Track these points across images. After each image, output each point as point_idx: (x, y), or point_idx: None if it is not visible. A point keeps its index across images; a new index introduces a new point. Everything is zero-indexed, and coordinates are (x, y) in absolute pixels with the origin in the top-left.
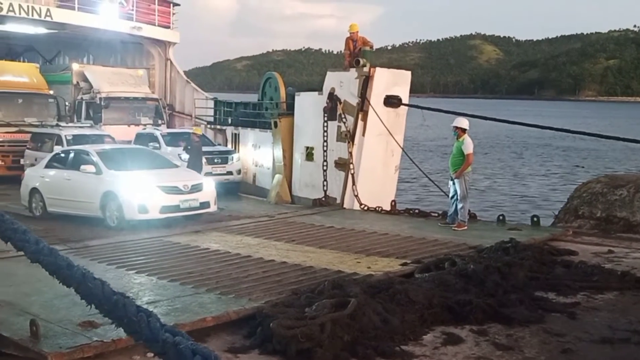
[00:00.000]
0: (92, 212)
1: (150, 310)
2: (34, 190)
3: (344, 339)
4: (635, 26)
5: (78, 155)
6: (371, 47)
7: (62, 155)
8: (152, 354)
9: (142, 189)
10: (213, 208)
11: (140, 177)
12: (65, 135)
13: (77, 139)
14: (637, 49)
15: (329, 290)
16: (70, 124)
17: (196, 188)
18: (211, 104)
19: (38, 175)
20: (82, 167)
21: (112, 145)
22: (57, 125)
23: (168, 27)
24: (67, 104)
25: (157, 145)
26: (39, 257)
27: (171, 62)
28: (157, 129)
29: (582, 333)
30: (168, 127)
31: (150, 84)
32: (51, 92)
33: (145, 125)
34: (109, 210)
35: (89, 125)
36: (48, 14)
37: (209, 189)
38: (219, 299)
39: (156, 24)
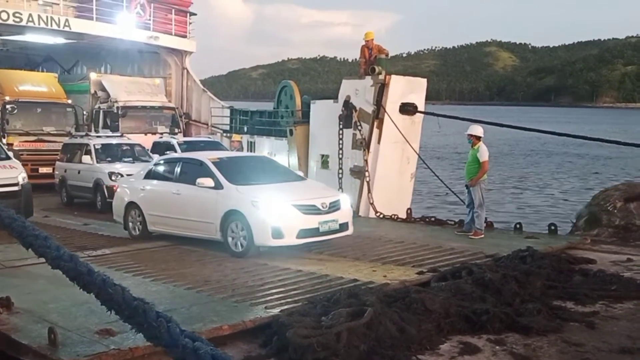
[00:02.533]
0: (208, 234)
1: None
2: (131, 205)
3: (360, 349)
4: None
5: (188, 165)
6: (387, 54)
7: (166, 164)
8: None
9: (276, 209)
10: (350, 230)
11: (272, 194)
12: (94, 145)
13: (106, 148)
14: None
15: (344, 299)
16: (100, 133)
17: (334, 206)
18: (227, 112)
19: (136, 187)
20: (199, 180)
21: (227, 154)
22: (87, 134)
23: (185, 37)
24: (85, 113)
25: (174, 153)
26: (60, 263)
27: (187, 71)
28: (174, 138)
29: (601, 343)
30: (184, 136)
31: (166, 92)
32: (69, 101)
33: (162, 133)
34: (233, 233)
35: (119, 134)
36: (67, 24)
37: (346, 207)
38: (235, 307)
39: (173, 34)
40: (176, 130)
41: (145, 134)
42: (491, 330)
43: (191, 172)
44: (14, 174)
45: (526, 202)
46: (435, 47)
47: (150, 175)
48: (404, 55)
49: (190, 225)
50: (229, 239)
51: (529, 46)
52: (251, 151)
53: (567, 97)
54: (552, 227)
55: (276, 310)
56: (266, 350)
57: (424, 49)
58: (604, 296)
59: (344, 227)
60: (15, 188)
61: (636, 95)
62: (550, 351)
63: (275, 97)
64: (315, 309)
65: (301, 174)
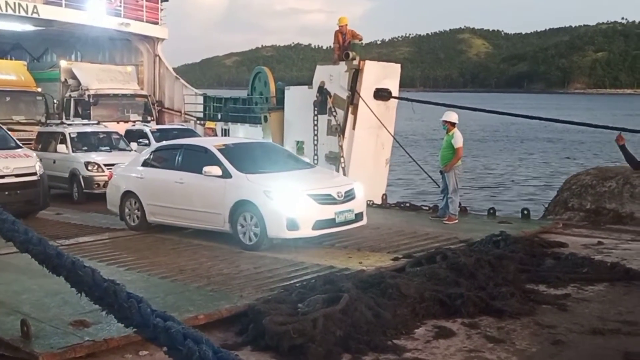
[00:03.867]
0: (215, 226)
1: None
2: (128, 195)
3: (336, 334)
4: (623, 18)
5: (191, 152)
6: (360, 39)
7: (166, 151)
8: (144, 352)
9: (291, 199)
10: (365, 220)
11: (285, 183)
12: (69, 133)
13: (82, 137)
14: (625, 42)
15: (320, 285)
16: (75, 121)
17: (350, 195)
18: (200, 99)
19: (133, 175)
20: (206, 168)
21: (232, 140)
22: (62, 123)
23: (156, 23)
24: (55, 101)
25: (147, 141)
26: (28, 246)
27: (160, 58)
28: (147, 126)
29: (573, 324)
30: (157, 124)
31: (139, 80)
32: (39, 89)
33: (134, 121)
34: (244, 225)
35: (95, 122)
36: (35, 10)
37: (360, 195)
38: (211, 296)
39: (144, 20)
40: (149, 118)
41: (118, 122)
42: (465, 314)
43: (195, 159)
44: (32, 163)
45: (499, 187)
46: (410, 34)
47: (149, 162)
48: (378, 42)
49: (195, 216)
50: (239, 231)
51: (502, 33)
52: None
53: (540, 83)
54: (525, 212)
55: (252, 298)
56: (242, 338)
57: (398, 36)
58: (575, 279)
59: (359, 217)
60: (34, 177)
61: (607, 81)
62: (523, 333)
63: (249, 83)
64: (291, 296)
65: (307, 160)
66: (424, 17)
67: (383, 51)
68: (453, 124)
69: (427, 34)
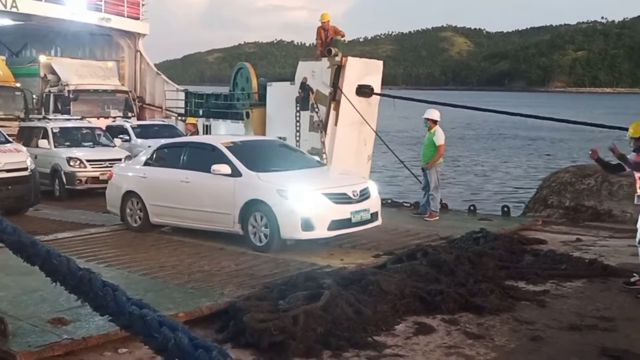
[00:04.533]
0: (225, 227)
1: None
2: (130, 195)
3: (317, 331)
4: (603, 18)
5: (197, 151)
6: (343, 36)
7: (170, 149)
8: (124, 350)
9: (306, 198)
10: (380, 220)
11: (299, 182)
12: (51, 129)
13: (65, 132)
14: (605, 41)
15: (302, 282)
16: (58, 116)
17: (365, 194)
18: (182, 95)
19: (135, 175)
20: (214, 167)
21: (239, 138)
22: (44, 117)
23: (137, 19)
24: (34, 96)
25: (127, 137)
26: (2, 236)
27: (141, 54)
28: (127, 121)
29: (551, 320)
30: (138, 120)
31: (119, 76)
32: (18, 84)
33: (114, 117)
34: (255, 225)
35: (78, 117)
36: (14, 4)
37: (375, 194)
38: (191, 293)
39: (125, 15)
40: (129, 114)
41: (98, 118)
42: (445, 311)
43: (202, 157)
44: (23, 158)
45: (480, 185)
46: (392, 32)
47: (152, 161)
48: (361, 40)
49: (203, 217)
50: (250, 232)
51: (484, 31)
52: (208, 134)
53: (521, 81)
54: (505, 209)
55: (233, 296)
56: (223, 335)
57: (381, 34)
58: (554, 275)
59: (374, 217)
60: (26, 173)
61: (586, 80)
62: (502, 330)
63: (231, 79)
64: (272, 293)
65: (317, 158)
66: (406, 15)
67: (366, 49)
68: (435, 122)
69: (410, 31)
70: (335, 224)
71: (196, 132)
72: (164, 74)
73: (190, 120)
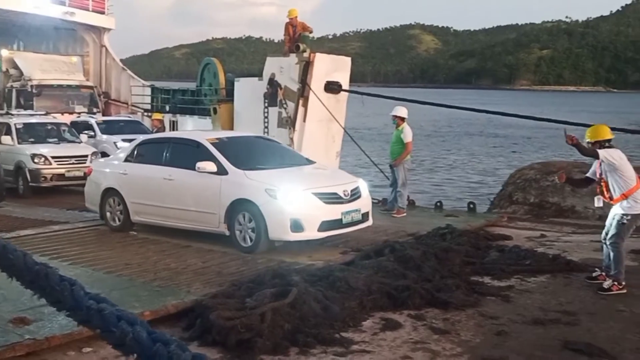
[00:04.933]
0: (210, 227)
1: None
2: (110, 192)
3: (284, 328)
4: (567, 17)
5: (181, 147)
6: (311, 32)
7: (153, 145)
8: (88, 349)
9: (296, 198)
10: (371, 221)
11: (288, 180)
12: (15, 124)
13: (29, 128)
14: (569, 40)
15: (269, 279)
16: (22, 112)
17: (356, 194)
18: (148, 91)
19: (115, 171)
20: (199, 164)
21: (225, 134)
22: (7, 113)
23: (103, 13)
24: None
25: (92, 133)
26: None
27: (106, 48)
28: (92, 117)
29: (516, 315)
30: (103, 115)
31: (84, 71)
32: None
33: (79, 113)
34: (241, 226)
35: (43, 113)
36: None
37: (366, 194)
38: (157, 292)
39: (90, 9)
40: (95, 110)
41: (62, 113)
42: (412, 306)
43: (186, 154)
44: None
45: (447, 181)
46: (361, 30)
47: (133, 157)
48: (330, 36)
49: (187, 216)
50: (237, 232)
51: (451, 29)
52: (174, 131)
53: (487, 79)
54: (471, 205)
55: (200, 294)
56: (189, 333)
57: (350, 31)
58: (518, 271)
59: (365, 217)
60: None
61: (551, 78)
62: (468, 325)
63: (198, 75)
64: (239, 291)
65: (306, 155)
66: (374, 12)
67: (334, 45)
68: (403, 119)
69: (378, 29)
70: (326, 225)
71: (162, 128)
72: (130, 69)
73: (156, 116)
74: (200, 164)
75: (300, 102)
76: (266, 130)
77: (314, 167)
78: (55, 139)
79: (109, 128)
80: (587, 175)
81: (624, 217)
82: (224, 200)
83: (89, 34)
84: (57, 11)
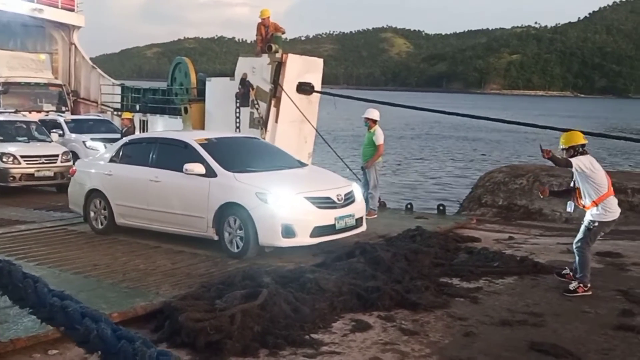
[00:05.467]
0: (197, 231)
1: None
2: (94, 194)
3: (254, 330)
4: (536, 23)
5: (168, 147)
6: (283, 32)
7: (139, 145)
8: (54, 351)
9: (288, 202)
10: (364, 226)
11: (280, 184)
12: None
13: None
14: (538, 45)
15: (239, 281)
16: None
17: (350, 198)
18: (118, 90)
19: (100, 171)
20: (187, 166)
21: (215, 134)
22: None
23: (72, 10)
24: None
25: (61, 132)
26: None
27: (76, 46)
28: (61, 116)
29: (484, 316)
30: (72, 114)
31: (53, 69)
32: None
33: (47, 112)
34: (230, 231)
35: (12, 110)
36: None
37: (360, 198)
38: (126, 293)
39: (59, 7)
40: (63, 109)
41: (30, 112)
42: (381, 307)
43: (173, 155)
44: None
45: (417, 183)
46: (333, 32)
47: (119, 157)
48: (303, 38)
49: (173, 220)
50: (226, 237)
51: (423, 33)
52: (144, 130)
53: (458, 83)
54: (441, 208)
55: (169, 295)
56: (158, 335)
57: (322, 33)
58: (487, 272)
59: (359, 222)
60: None
61: (520, 83)
62: (436, 326)
63: (169, 74)
64: (209, 292)
65: (298, 158)
66: (347, 15)
67: (307, 47)
68: (375, 121)
69: (351, 31)
70: (319, 231)
71: (132, 128)
72: (101, 68)
73: (126, 115)
74: (188, 166)
75: (273, 102)
76: (238, 130)
77: (307, 170)
78: (25, 138)
79: (78, 127)
80: (571, 185)
81: (592, 223)
82: (213, 204)
83: (58, 31)
84: (26, 8)
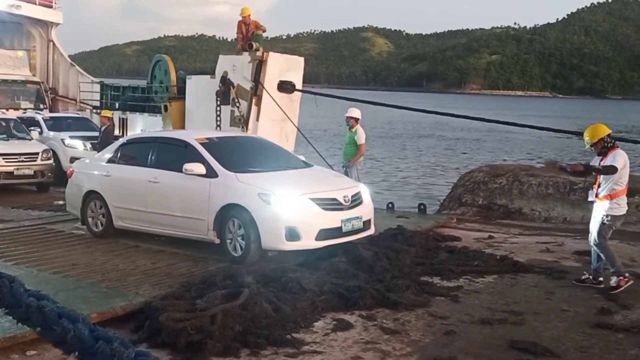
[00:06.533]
0: (197, 234)
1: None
2: (92, 196)
3: (235, 330)
4: (515, 24)
5: (168, 147)
6: (264, 31)
7: (138, 145)
8: (32, 352)
9: (292, 203)
10: (373, 229)
11: (284, 184)
12: None
13: None
14: (517, 46)
15: (220, 281)
16: None
17: (357, 200)
18: (97, 88)
19: (97, 172)
20: (187, 166)
21: (216, 134)
22: None
23: (50, 7)
24: None
25: (39, 130)
26: None
27: (54, 43)
28: (39, 113)
29: (464, 315)
30: (51, 112)
31: (30, 66)
32: None
33: (25, 109)
34: (232, 233)
35: None
36: None
37: (367, 199)
38: (105, 293)
39: (37, 3)
40: (41, 106)
41: (7, 109)
42: (363, 307)
43: (173, 155)
44: None
45: (398, 183)
46: (315, 31)
47: (117, 158)
48: (284, 37)
49: (173, 222)
50: (227, 239)
51: (404, 33)
52: (123, 128)
53: (438, 83)
54: (422, 207)
55: (149, 295)
56: (138, 335)
57: (304, 32)
58: (467, 271)
59: (367, 225)
60: None
61: (500, 83)
62: (417, 324)
63: (149, 72)
64: (189, 292)
65: (303, 158)
66: (328, 14)
67: (288, 46)
68: (356, 120)
69: (332, 30)
70: (324, 234)
71: (112, 126)
72: (79, 65)
73: (105, 113)
74: (188, 166)
75: (254, 101)
76: (218, 128)
77: (312, 170)
78: (4, 135)
79: (56, 125)
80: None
81: (605, 217)
82: (213, 206)
83: (35, 28)
84: (2, 4)
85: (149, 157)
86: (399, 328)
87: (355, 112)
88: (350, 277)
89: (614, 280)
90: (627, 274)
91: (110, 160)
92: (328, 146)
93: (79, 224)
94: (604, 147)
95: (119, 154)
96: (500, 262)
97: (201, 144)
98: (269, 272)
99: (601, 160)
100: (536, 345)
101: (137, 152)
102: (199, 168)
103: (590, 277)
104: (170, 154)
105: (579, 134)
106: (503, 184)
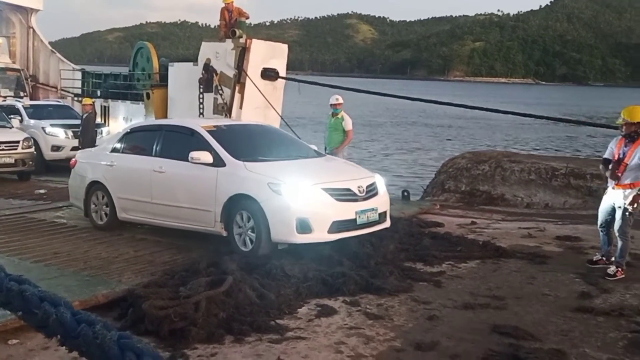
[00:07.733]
0: (204, 226)
1: None
2: (95, 186)
3: (219, 317)
4: (499, 10)
5: (174, 135)
6: (247, 17)
7: (142, 134)
8: (15, 341)
9: (303, 194)
10: (388, 222)
11: (295, 174)
12: None
13: None
14: (501, 33)
15: (204, 268)
16: None
17: (372, 190)
18: (78, 75)
19: (101, 162)
20: (193, 154)
21: (224, 121)
22: None
23: None
24: None
25: (20, 118)
26: None
27: (34, 30)
28: (19, 101)
29: (447, 300)
30: (31, 99)
31: (10, 53)
32: None
33: (5, 97)
34: (240, 225)
35: None
36: None
37: (383, 190)
38: (87, 281)
39: None
40: (22, 94)
41: None
42: (347, 292)
43: (179, 144)
44: None
45: (382, 169)
46: (298, 17)
47: (121, 147)
48: (267, 23)
49: (178, 214)
50: (236, 233)
51: (388, 20)
52: (105, 116)
53: (422, 70)
54: (405, 194)
55: (132, 283)
56: (121, 323)
57: (287, 19)
58: (450, 257)
59: (382, 217)
60: None
61: (483, 70)
62: (401, 310)
63: (131, 59)
64: (173, 280)
65: (315, 147)
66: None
67: (272, 33)
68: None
69: (316, 17)
70: (338, 226)
71: (93, 113)
72: (60, 52)
73: (86, 101)
74: (194, 154)
75: (237, 88)
76: (201, 116)
77: (324, 159)
78: None
79: (37, 113)
80: (605, 156)
81: (630, 207)
82: (221, 196)
83: (15, 14)
84: None
85: (154, 146)
86: (382, 313)
87: (340, 99)
88: (335, 263)
89: (612, 269)
90: (624, 267)
91: (114, 150)
92: (312, 134)
93: (61, 212)
94: (636, 131)
95: (123, 143)
96: (482, 248)
97: (208, 131)
98: (253, 259)
99: (626, 143)
100: (518, 330)
101: (141, 141)
102: (206, 156)
103: (604, 258)
104: (176, 143)
105: (562, 121)
106: (486, 170)
